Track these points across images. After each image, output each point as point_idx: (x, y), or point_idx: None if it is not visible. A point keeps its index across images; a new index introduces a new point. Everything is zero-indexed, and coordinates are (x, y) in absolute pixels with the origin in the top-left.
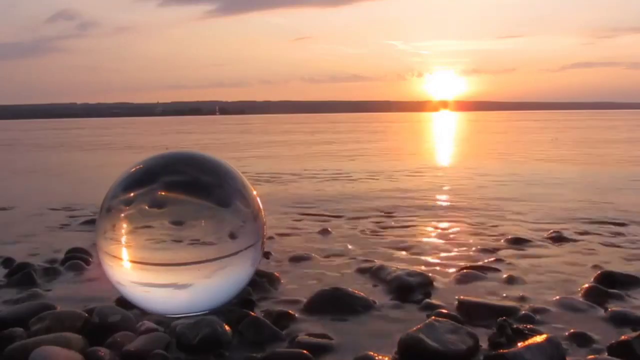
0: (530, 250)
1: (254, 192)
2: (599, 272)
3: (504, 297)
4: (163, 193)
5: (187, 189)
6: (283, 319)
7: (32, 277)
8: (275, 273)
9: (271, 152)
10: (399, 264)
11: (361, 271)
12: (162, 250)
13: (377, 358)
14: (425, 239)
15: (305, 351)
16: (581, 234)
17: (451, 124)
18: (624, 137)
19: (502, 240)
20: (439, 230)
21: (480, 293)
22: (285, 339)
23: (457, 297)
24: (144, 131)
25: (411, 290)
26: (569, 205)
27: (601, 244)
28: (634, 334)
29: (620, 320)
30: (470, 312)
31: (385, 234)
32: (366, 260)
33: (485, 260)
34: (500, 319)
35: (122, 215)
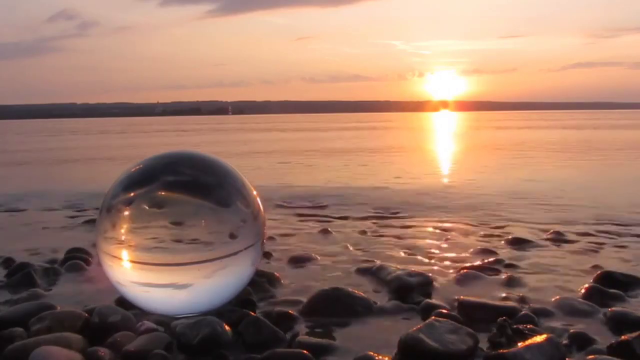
0: (530, 251)
1: (254, 192)
2: (599, 272)
3: (504, 297)
4: (163, 193)
5: (187, 189)
6: (283, 319)
7: (32, 277)
8: (275, 273)
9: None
10: (399, 264)
11: (361, 271)
12: (162, 250)
13: (377, 358)
14: (425, 239)
15: (305, 351)
16: (581, 234)
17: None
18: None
19: (502, 241)
20: (439, 231)
21: (480, 293)
22: (285, 339)
23: (457, 297)
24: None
25: (411, 290)
26: (569, 206)
27: (601, 244)
28: (634, 334)
29: (620, 320)
30: (470, 312)
31: (386, 234)
32: (366, 261)
33: (485, 260)
34: (500, 319)
35: (122, 215)
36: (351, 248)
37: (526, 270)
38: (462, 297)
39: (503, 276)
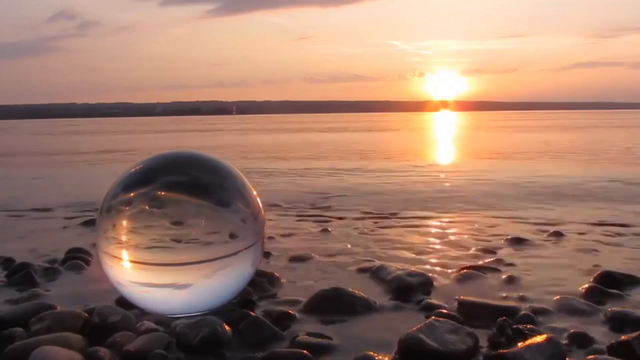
0: (530, 250)
1: (254, 192)
2: (599, 272)
3: (504, 297)
4: (163, 193)
5: (187, 189)
6: (283, 319)
7: (32, 277)
8: (275, 273)
9: None
10: (399, 264)
11: (361, 271)
12: (162, 250)
13: (377, 358)
14: (425, 239)
15: (305, 351)
16: (581, 234)
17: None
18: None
19: (502, 240)
20: (439, 230)
21: (480, 293)
22: (285, 339)
23: (457, 297)
24: None
25: (411, 290)
26: (569, 205)
27: (601, 244)
28: (634, 334)
29: (620, 320)
30: (470, 312)
31: (386, 234)
32: (366, 260)
33: (485, 260)
34: (500, 319)
35: (122, 215)
36: (351, 247)
37: (526, 270)
38: (462, 297)
39: (503, 276)
